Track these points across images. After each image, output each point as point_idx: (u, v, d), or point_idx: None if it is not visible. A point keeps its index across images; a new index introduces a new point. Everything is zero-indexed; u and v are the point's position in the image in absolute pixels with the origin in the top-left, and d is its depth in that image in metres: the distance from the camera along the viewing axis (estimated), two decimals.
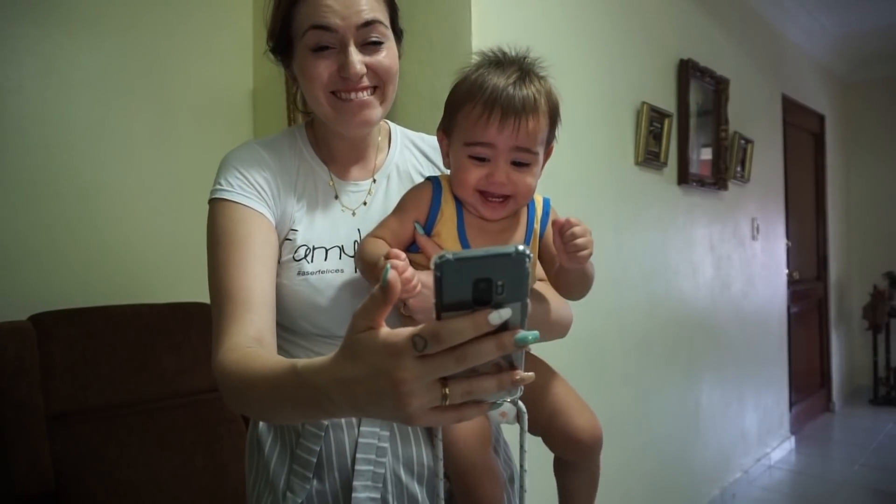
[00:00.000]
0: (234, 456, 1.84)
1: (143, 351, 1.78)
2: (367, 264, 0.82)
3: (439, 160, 0.99)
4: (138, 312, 1.83)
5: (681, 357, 2.75)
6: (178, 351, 1.83)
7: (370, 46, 0.86)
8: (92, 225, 2.00)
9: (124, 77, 2.08)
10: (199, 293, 2.07)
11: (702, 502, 2.88)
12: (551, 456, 0.95)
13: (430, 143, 1.05)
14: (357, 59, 0.84)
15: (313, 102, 0.89)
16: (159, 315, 1.86)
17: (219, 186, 0.88)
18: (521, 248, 0.47)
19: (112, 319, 1.77)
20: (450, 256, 0.46)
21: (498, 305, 0.48)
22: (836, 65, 4.86)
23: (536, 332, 0.49)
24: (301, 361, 0.62)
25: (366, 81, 0.87)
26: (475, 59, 0.88)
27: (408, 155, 1.02)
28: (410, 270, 0.71)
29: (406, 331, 0.49)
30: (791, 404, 3.94)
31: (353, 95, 0.86)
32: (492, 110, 0.80)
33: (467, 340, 0.48)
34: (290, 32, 0.87)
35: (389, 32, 0.89)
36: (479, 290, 0.47)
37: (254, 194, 0.88)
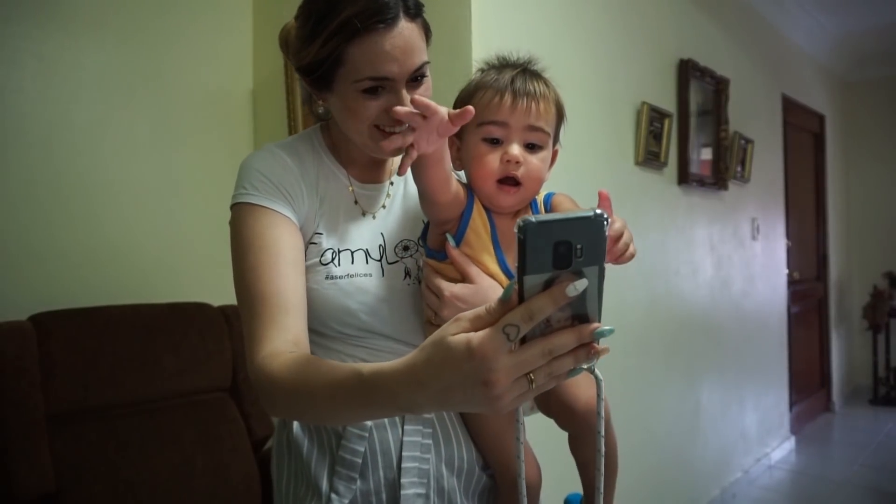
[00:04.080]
0: (234, 456, 1.84)
1: (143, 351, 1.77)
2: None
3: None
4: (138, 312, 1.83)
5: (681, 357, 2.75)
6: (178, 351, 1.83)
7: (414, 82, 0.86)
8: (92, 225, 2.00)
9: (125, 77, 2.08)
10: (200, 293, 2.08)
11: (702, 502, 2.87)
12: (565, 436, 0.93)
13: None
14: (408, 101, 0.83)
15: (352, 132, 0.88)
16: (159, 315, 1.85)
17: (243, 191, 0.87)
18: (598, 210, 0.49)
19: (112, 319, 1.77)
20: (532, 220, 0.47)
21: (577, 269, 0.50)
22: (836, 65, 4.85)
23: (612, 328, 0.54)
24: (366, 367, 0.63)
25: None
26: (477, 65, 0.91)
27: None
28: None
29: (492, 331, 0.51)
30: (791, 404, 3.94)
31: (396, 128, 0.86)
32: (504, 93, 0.83)
33: (551, 333, 0.52)
34: (337, 70, 0.83)
35: (428, 65, 0.89)
36: (559, 253, 0.48)
37: (279, 197, 0.87)
